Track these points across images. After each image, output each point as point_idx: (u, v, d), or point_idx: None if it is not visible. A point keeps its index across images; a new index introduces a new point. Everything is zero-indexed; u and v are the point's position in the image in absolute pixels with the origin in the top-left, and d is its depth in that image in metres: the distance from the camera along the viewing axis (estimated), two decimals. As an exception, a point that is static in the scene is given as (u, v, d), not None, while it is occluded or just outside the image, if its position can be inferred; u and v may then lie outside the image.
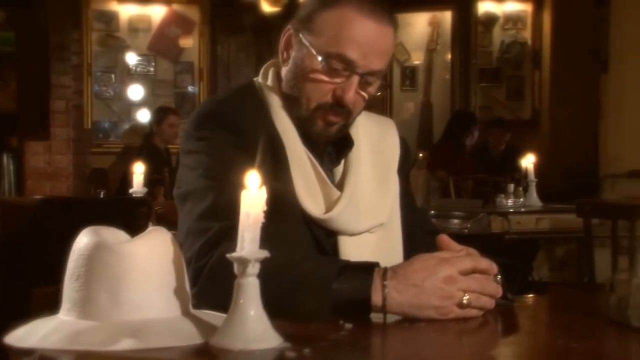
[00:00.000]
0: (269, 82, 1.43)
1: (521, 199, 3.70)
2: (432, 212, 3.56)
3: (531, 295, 1.32)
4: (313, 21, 1.35)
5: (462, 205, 3.81)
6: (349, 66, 1.32)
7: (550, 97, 6.81)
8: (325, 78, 1.34)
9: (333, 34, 1.32)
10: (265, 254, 0.99)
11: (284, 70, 1.41)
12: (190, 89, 6.94)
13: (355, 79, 1.33)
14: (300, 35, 1.37)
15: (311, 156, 1.38)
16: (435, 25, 7.28)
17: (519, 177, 3.99)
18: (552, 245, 4.01)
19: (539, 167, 3.90)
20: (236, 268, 0.98)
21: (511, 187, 3.72)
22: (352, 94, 1.33)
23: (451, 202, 4.24)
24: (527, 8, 7.04)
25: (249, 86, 1.45)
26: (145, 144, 5.81)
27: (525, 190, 3.73)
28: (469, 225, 3.34)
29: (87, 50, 6.46)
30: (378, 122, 1.52)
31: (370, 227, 1.40)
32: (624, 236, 3.12)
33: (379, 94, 1.41)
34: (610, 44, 4.71)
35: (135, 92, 6.77)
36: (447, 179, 5.10)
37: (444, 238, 1.23)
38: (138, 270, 1.02)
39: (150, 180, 4.09)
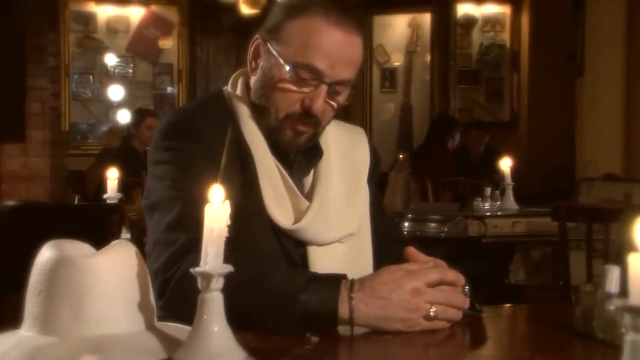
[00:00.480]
0: (238, 91, 1.43)
1: (498, 203, 3.71)
2: (410, 215, 3.57)
3: (498, 305, 1.32)
4: (281, 31, 1.35)
5: (439, 209, 3.82)
6: (317, 76, 1.32)
7: (529, 99, 6.85)
8: (293, 87, 1.33)
9: (301, 43, 1.32)
10: (229, 268, 0.98)
11: (253, 80, 1.40)
12: (169, 90, 6.91)
13: (324, 89, 1.33)
14: (268, 45, 1.36)
15: (280, 166, 1.37)
16: (414, 27, 7.30)
17: (497, 179, 4.01)
18: (528, 249, 4.03)
19: (517, 169, 3.92)
20: (200, 283, 0.98)
21: (488, 190, 3.73)
22: (320, 104, 1.33)
23: (428, 205, 4.24)
24: (506, 10, 7.08)
25: (218, 96, 1.44)
26: (123, 146, 5.78)
27: (502, 193, 3.75)
28: (445, 229, 3.35)
29: (64, 52, 6.42)
30: (348, 131, 1.52)
31: (340, 237, 1.39)
32: (599, 239, 3.14)
33: (347, 103, 1.40)
34: (585, 48, 4.75)
35: (114, 93, 6.74)
36: (427, 182, 5.11)
37: (411, 250, 1.23)
38: (101, 285, 1.01)
39: (128, 183, 4.06)
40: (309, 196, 1.39)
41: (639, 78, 4.61)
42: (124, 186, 4.07)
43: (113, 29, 6.69)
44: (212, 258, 0.98)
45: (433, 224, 3.41)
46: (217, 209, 0.98)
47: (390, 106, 7.47)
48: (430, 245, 3.49)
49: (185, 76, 6.85)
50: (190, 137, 1.34)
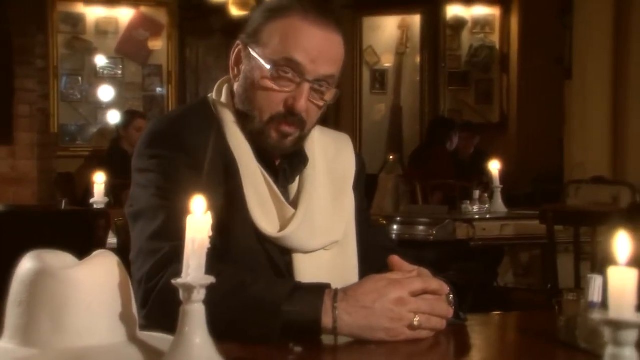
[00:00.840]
0: (223, 98, 1.42)
1: (486, 205, 3.72)
2: (399, 219, 3.57)
3: (482, 314, 1.32)
4: (260, 33, 1.36)
5: (428, 212, 3.82)
6: (298, 71, 1.32)
7: (518, 101, 6.87)
8: (275, 87, 1.33)
9: (280, 41, 1.33)
10: (210, 279, 0.97)
11: (236, 86, 1.40)
12: (158, 91, 6.89)
13: (306, 86, 1.33)
14: (249, 49, 1.37)
15: (265, 173, 1.37)
16: (404, 29, 7.31)
17: (487, 180, 4.01)
18: (517, 251, 4.04)
19: (506, 170, 3.92)
20: (181, 294, 0.97)
21: (476, 193, 3.74)
22: (303, 102, 1.33)
23: (417, 208, 4.25)
24: (495, 12, 7.10)
25: (203, 103, 1.44)
26: (113, 147, 5.77)
27: (491, 196, 3.76)
28: (434, 232, 3.35)
29: (53, 53, 6.39)
30: (333, 138, 1.52)
31: (325, 244, 1.39)
32: (587, 242, 3.15)
33: (332, 102, 1.39)
34: (573, 51, 4.76)
35: (103, 94, 6.71)
36: (416, 184, 5.11)
37: (395, 259, 1.23)
38: (82, 297, 1.00)
39: (117, 185, 4.05)
40: (295, 204, 1.39)
41: (626, 81, 4.63)
42: (112, 188, 4.06)
43: (102, 30, 6.67)
44: (193, 269, 0.97)
45: (422, 227, 3.41)
46: (198, 220, 0.97)
47: (380, 108, 7.48)
48: (419, 248, 3.47)
49: (174, 78, 6.83)
50: (175, 146, 1.33)
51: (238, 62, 1.40)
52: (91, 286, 1.01)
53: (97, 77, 6.70)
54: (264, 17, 1.37)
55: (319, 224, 1.38)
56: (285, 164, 1.42)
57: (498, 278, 4.05)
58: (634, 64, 4.56)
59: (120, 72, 6.75)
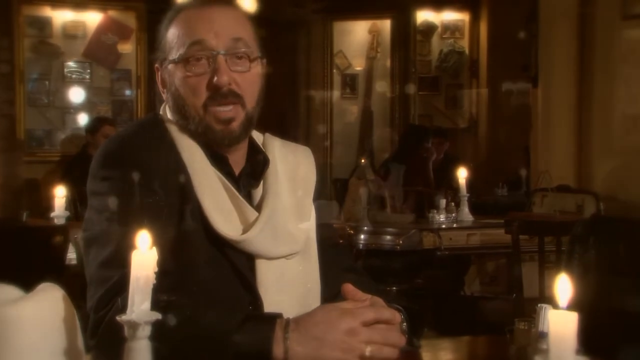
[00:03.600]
0: (169, 116, 1.42)
1: (453, 214, 3.73)
2: (365, 228, 3.57)
3: (435, 338, 1.32)
4: (165, 44, 1.40)
5: (395, 220, 3.83)
6: (206, 49, 1.34)
7: (487, 106, 6.91)
8: (191, 74, 1.35)
9: (179, 36, 1.37)
10: (156, 316, 0.96)
11: (170, 104, 1.41)
12: (127, 95, 6.82)
13: (220, 59, 1.34)
14: (163, 63, 1.40)
15: (223, 177, 1.35)
16: (375, 34, 7.32)
17: (457, 186, 4.02)
18: (484, 260, 4.07)
19: (476, 175, 3.93)
20: (126, 331, 0.95)
21: (443, 202, 3.75)
22: (223, 75, 1.34)
23: (385, 217, 4.25)
24: (465, 18, 7.14)
25: (153, 119, 1.43)
26: (81, 154, 5.70)
27: (458, 205, 3.77)
28: (401, 242, 3.35)
29: (19, 58, 6.29)
30: (294, 150, 1.51)
31: (287, 252, 1.36)
32: (551, 251, 3.18)
33: (263, 68, 1.40)
34: (539, 59, 4.80)
35: (71, 99, 6.63)
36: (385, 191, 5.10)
37: (349, 287, 1.22)
38: (24, 334, 0.98)
39: (84, 191, 3.99)
40: (259, 208, 1.37)
41: (590, 91, 4.67)
42: (80, 196, 4.00)
43: (70, 34, 6.58)
44: (138, 306, 0.96)
45: (388, 237, 3.41)
46: (143, 256, 0.96)
47: (351, 112, 7.48)
48: (386, 258, 3.47)
49: (143, 82, 6.77)
50: (127, 165, 1.30)
51: (163, 82, 1.42)
52: (34, 323, 0.98)
53: (64, 81, 6.61)
54: (162, 30, 1.41)
55: (282, 230, 1.36)
56: (248, 169, 1.42)
57: (464, 287, 4.07)
58: (598, 73, 4.60)
59: (88, 76, 6.67)
